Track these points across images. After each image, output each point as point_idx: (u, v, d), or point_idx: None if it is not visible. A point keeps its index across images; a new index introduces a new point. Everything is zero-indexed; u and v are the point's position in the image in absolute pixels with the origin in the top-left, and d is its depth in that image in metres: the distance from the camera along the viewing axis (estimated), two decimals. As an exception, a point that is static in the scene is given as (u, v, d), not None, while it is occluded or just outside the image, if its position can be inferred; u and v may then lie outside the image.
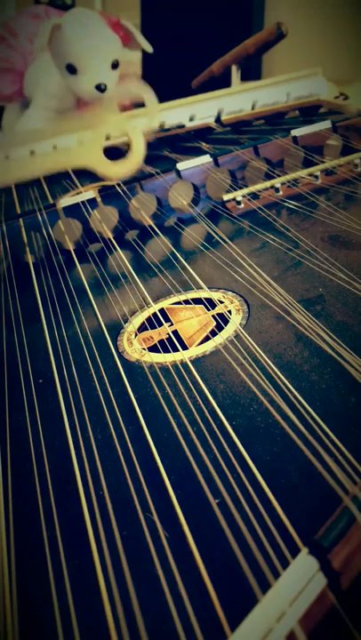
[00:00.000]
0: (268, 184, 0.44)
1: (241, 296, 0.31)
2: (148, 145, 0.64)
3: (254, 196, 0.44)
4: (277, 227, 0.39)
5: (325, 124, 0.49)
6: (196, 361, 0.27)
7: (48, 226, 0.42)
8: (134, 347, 0.29)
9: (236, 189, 0.45)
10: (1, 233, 0.41)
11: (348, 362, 0.23)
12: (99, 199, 0.43)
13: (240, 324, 0.29)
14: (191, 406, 0.23)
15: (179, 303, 0.33)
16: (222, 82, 0.79)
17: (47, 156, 0.32)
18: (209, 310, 0.31)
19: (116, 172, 0.33)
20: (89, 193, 0.43)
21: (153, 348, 0.29)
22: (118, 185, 0.44)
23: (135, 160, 0.33)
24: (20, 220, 0.41)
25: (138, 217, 0.44)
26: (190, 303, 0.32)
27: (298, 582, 0.14)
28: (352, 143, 0.49)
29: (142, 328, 0.31)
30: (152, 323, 0.31)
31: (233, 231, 0.41)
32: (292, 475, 0.19)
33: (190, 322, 0.30)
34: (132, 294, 0.35)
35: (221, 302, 0.31)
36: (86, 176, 0.58)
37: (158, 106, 0.62)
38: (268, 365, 0.24)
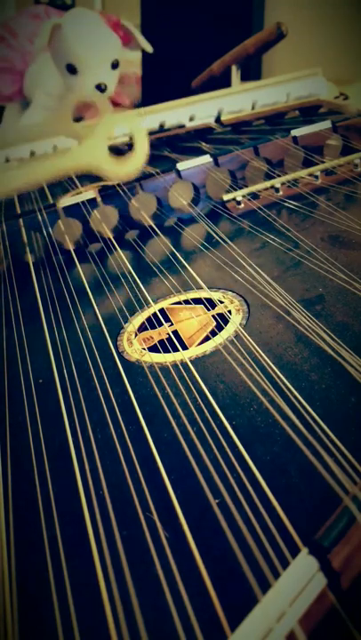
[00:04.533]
0: (268, 184, 0.44)
1: (241, 296, 0.31)
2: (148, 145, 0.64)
3: (254, 196, 0.44)
4: (277, 227, 0.39)
5: (325, 124, 0.49)
6: (196, 361, 0.27)
7: (48, 226, 0.42)
8: (134, 347, 0.29)
9: (236, 189, 0.45)
10: (1, 233, 0.41)
11: (348, 362, 0.23)
12: (99, 199, 0.43)
13: (240, 324, 0.29)
14: (191, 406, 0.23)
15: (179, 303, 0.33)
16: (222, 82, 0.79)
17: (46, 160, 0.32)
18: (209, 310, 0.31)
19: (123, 170, 0.33)
20: (89, 193, 0.43)
21: (153, 348, 0.29)
22: (118, 185, 0.44)
23: (140, 157, 0.33)
24: (20, 219, 0.41)
25: (138, 217, 0.44)
26: (190, 303, 0.32)
27: (298, 582, 0.14)
28: (352, 143, 0.49)
29: (142, 328, 0.31)
30: (152, 323, 0.31)
31: (233, 231, 0.41)
32: (292, 475, 0.19)
33: (190, 322, 0.30)
34: (132, 294, 0.35)
35: (221, 302, 0.31)
36: (86, 176, 0.58)
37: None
38: (268, 365, 0.24)
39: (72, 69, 0.80)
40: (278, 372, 0.24)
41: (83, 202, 0.42)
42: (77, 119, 0.53)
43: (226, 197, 0.44)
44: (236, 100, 0.69)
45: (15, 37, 0.96)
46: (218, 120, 0.67)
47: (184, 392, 0.24)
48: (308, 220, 0.39)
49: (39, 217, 0.42)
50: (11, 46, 0.95)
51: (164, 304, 0.33)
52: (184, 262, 0.37)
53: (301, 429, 0.20)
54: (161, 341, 0.29)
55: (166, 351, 0.28)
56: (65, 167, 0.32)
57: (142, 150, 0.33)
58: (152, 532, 0.18)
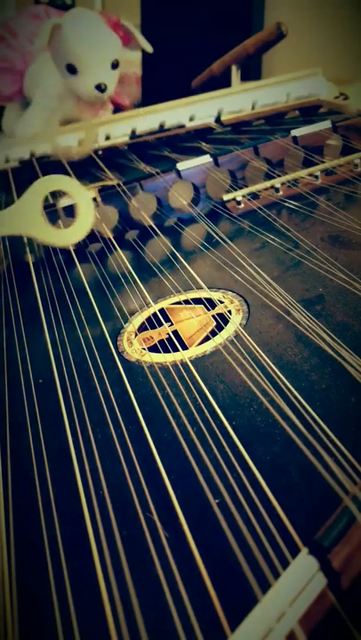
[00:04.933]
0: (268, 184, 0.44)
1: (241, 296, 0.31)
2: (148, 145, 0.64)
3: (254, 196, 0.44)
4: (277, 227, 0.39)
5: (325, 124, 0.49)
6: (196, 361, 0.27)
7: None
8: (134, 347, 0.29)
9: (236, 189, 0.45)
10: (1, 233, 0.41)
11: (348, 362, 0.23)
12: (99, 199, 0.43)
13: (240, 324, 0.29)
14: (191, 406, 0.23)
15: (179, 303, 0.33)
16: (222, 82, 0.79)
17: None
18: (209, 310, 0.31)
19: (63, 239, 0.29)
20: (89, 193, 0.43)
21: (153, 348, 0.29)
22: (118, 185, 0.44)
23: (84, 225, 0.29)
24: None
25: (138, 217, 0.44)
26: (190, 303, 0.32)
27: (298, 582, 0.14)
28: (352, 143, 0.49)
29: (142, 328, 0.31)
30: (152, 323, 0.31)
31: (233, 231, 0.41)
32: (292, 475, 0.19)
33: (190, 322, 0.30)
34: (132, 294, 0.35)
35: (221, 302, 0.31)
36: (86, 176, 0.58)
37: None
38: (268, 365, 0.24)
39: (72, 69, 0.80)
40: (278, 372, 0.24)
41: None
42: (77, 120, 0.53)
43: (226, 197, 0.44)
44: (236, 100, 0.69)
45: (15, 37, 0.96)
46: (218, 120, 0.67)
47: (184, 392, 0.24)
48: (308, 219, 0.39)
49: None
50: (11, 46, 0.95)
51: (164, 304, 0.33)
52: (184, 262, 0.37)
53: (301, 429, 0.20)
54: (161, 341, 0.29)
55: (166, 351, 0.28)
56: None
57: (87, 218, 0.29)
58: (152, 532, 0.18)
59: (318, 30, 1.03)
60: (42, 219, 0.31)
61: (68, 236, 0.31)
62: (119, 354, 0.29)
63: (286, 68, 0.82)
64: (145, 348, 0.29)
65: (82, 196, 0.29)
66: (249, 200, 0.44)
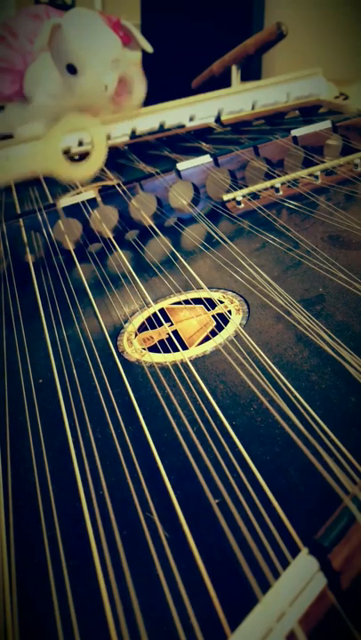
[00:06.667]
0: (268, 184, 0.44)
1: (241, 296, 0.31)
2: (148, 145, 0.64)
3: (254, 195, 0.44)
4: (277, 227, 0.39)
5: (325, 124, 0.49)
6: (197, 361, 0.27)
7: (48, 226, 0.42)
8: (134, 347, 0.29)
9: (236, 189, 0.45)
10: (1, 233, 0.41)
11: (348, 362, 0.23)
12: (99, 199, 0.43)
13: (240, 324, 0.29)
14: (191, 406, 0.23)
15: (179, 303, 0.33)
16: (222, 82, 0.79)
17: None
18: (209, 310, 0.31)
19: (78, 174, 0.33)
20: (89, 193, 0.43)
21: (153, 348, 0.29)
22: (118, 185, 0.44)
23: (97, 160, 0.33)
24: (20, 219, 0.41)
25: (138, 217, 0.44)
26: (190, 303, 0.32)
27: (298, 582, 0.14)
28: (352, 143, 0.49)
29: (142, 328, 0.31)
30: (152, 323, 0.31)
31: (233, 231, 0.41)
32: (292, 475, 0.19)
33: (190, 322, 0.30)
34: (132, 294, 0.35)
35: (221, 302, 0.31)
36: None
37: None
38: (268, 365, 0.24)
39: (72, 69, 0.80)
40: (278, 372, 0.24)
41: (83, 202, 0.42)
42: None
43: (226, 197, 0.44)
44: (236, 100, 0.69)
45: (15, 37, 0.96)
46: (218, 120, 0.67)
47: (184, 392, 0.24)
48: (308, 220, 0.39)
49: (39, 217, 0.42)
50: (11, 46, 0.95)
51: (164, 304, 0.33)
52: (184, 262, 0.37)
53: (301, 429, 0.20)
54: (161, 341, 0.29)
55: (166, 351, 0.28)
56: (20, 172, 0.33)
57: (100, 154, 0.33)
58: (152, 532, 0.18)
59: (318, 30, 1.03)
60: (61, 156, 0.33)
61: (85, 170, 0.33)
62: (119, 354, 0.29)
63: (286, 68, 0.82)
64: (145, 348, 0.29)
65: (98, 132, 0.32)
66: (249, 200, 0.44)
